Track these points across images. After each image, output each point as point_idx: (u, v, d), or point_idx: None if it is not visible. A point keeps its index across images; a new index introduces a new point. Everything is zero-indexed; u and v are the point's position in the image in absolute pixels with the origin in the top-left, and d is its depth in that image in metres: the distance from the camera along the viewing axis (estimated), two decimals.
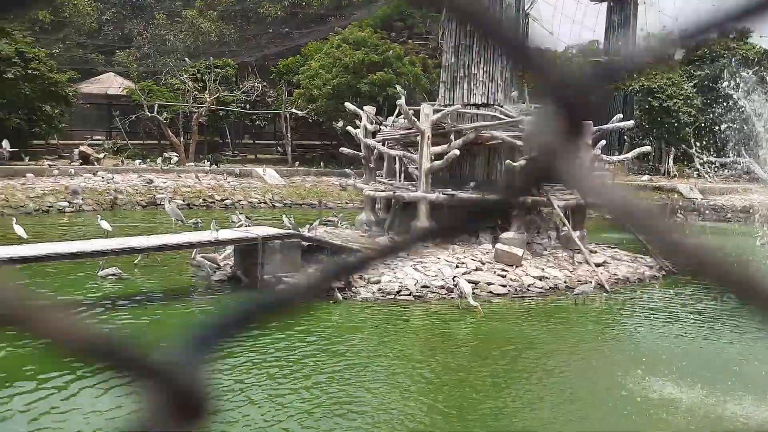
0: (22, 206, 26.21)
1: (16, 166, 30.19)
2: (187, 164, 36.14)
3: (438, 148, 18.26)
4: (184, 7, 46.89)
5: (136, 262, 16.57)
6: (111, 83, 39.58)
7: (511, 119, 18.59)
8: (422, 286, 14.97)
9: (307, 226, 20.04)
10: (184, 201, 29.47)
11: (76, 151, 34.10)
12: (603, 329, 13.69)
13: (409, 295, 14.71)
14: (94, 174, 31.24)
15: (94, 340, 0.44)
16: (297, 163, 39.52)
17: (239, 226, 17.99)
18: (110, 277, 15.24)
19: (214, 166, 35.43)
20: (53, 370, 9.44)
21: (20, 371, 9.53)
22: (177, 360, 0.47)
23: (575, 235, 17.83)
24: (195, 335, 0.47)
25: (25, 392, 8.90)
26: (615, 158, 22.32)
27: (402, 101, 18.50)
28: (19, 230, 17.13)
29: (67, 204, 27.55)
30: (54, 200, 27.59)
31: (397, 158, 20.45)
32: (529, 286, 15.82)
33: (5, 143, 28.37)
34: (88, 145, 35.74)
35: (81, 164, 32.73)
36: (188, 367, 0.48)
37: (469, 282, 14.83)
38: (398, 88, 24.13)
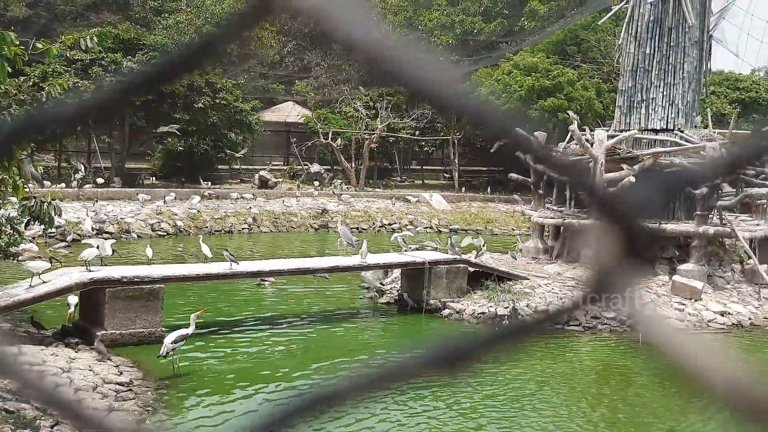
0: (206, 227, 28.02)
1: (201, 189, 32.38)
2: (356, 189, 37.25)
3: (611, 175, 17.66)
4: None
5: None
6: (290, 111, 41.70)
7: (693, 145, 17.66)
8: (592, 317, 14.45)
9: (474, 252, 19.97)
10: (353, 225, 30.31)
11: (257, 175, 36.16)
12: None
13: (579, 325, 14.24)
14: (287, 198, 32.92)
15: None
16: (464, 188, 39.63)
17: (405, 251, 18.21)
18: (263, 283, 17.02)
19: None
20: None
21: None
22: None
23: (762, 269, 16.54)
24: None
25: None
26: None
27: (574, 126, 18.10)
28: (205, 249, 17.61)
29: (247, 227, 29.16)
30: (235, 221, 29.29)
31: (567, 184, 19.94)
32: (709, 321, 14.85)
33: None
34: (269, 170, 37.78)
35: (260, 188, 34.64)
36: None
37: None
38: (570, 113, 23.61)
